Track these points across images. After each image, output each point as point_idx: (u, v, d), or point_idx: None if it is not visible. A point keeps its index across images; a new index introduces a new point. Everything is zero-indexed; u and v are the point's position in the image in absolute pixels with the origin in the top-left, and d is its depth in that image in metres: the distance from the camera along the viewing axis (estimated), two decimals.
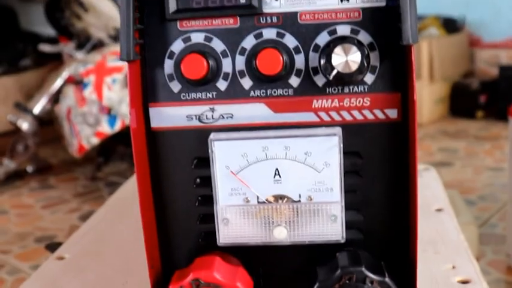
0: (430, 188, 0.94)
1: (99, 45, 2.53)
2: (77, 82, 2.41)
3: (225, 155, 0.52)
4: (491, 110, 3.18)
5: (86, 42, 2.55)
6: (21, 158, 2.69)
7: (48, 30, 3.02)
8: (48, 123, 2.68)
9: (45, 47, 2.61)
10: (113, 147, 2.68)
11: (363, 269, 0.49)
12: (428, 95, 3.18)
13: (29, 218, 2.35)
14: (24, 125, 2.56)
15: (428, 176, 0.99)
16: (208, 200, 0.53)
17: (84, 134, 2.39)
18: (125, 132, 2.45)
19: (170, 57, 0.52)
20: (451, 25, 3.38)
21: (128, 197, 0.98)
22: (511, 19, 3.06)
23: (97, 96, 2.34)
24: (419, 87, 3.14)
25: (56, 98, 2.56)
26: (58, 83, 2.52)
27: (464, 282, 0.63)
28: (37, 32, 3.34)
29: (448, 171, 2.52)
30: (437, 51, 3.18)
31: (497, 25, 3.37)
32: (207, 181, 0.53)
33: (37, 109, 2.56)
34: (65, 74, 2.49)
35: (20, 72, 3.19)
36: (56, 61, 2.88)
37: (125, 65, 2.06)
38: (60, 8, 2.55)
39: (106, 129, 2.35)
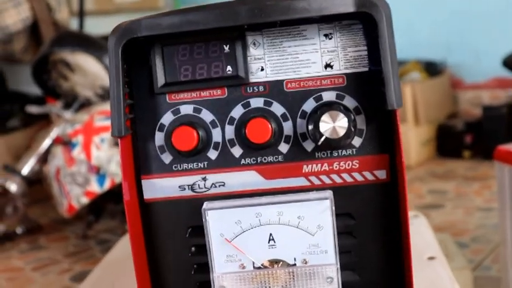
0: (421, 236, 0.94)
1: (86, 104, 2.55)
2: (65, 143, 2.41)
3: (219, 223, 0.52)
4: (477, 149, 3.21)
5: (73, 102, 2.57)
6: (10, 220, 2.66)
7: (36, 90, 3.04)
8: (37, 182, 2.67)
9: (32, 109, 2.62)
10: (103, 205, 2.67)
11: None
12: (414, 138, 3.21)
13: (19, 282, 2.31)
14: (13, 186, 2.54)
15: (418, 224, 1.00)
16: (204, 267, 0.54)
17: (74, 194, 2.38)
18: (114, 190, 2.44)
19: (161, 129, 0.53)
20: (432, 68, 3.45)
21: (121, 258, 0.98)
22: (491, 61, 3.13)
23: (86, 156, 2.34)
24: (405, 130, 3.18)
25: (44, 158, 2.55)
26: (46, 143, 2.52)
27: None
28: (24, 92, 3.36)
29: (439, 214, 2.53)
30: (421, 94, 3.23)
31: (478, 67, 3.45)
32: (202, 249, 0.53)
33: (25, 170, 2.55)
34: (53, 134, 2.50)
35: (8, 133, 3.19)
36: (44, 121, 2.89)
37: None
38: (46, 70, 2.57)
39: (95, 188, 2.34)
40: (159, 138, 0.54)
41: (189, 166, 0.53)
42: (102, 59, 2.61)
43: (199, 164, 0.53)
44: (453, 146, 3.24)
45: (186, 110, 0.53)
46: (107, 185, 2.33)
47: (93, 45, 2.65)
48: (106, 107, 2.42)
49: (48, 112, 2.66)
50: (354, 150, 0.52)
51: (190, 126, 0.52)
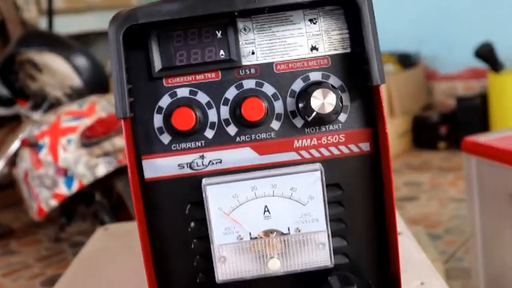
0: None
1: (56, 104, 2.57)
2: (32, 145, 2.43)
3: (218, 198, 0.58)
4: (452, 140, 3.32)
5: (42, 103, 2.59)
6: None
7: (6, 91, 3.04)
8: (8, 186, 2.69)
9: None
10: (74, 207, 2.69)
11: None
12: (390, 130, 3.29)
13: None
14: None
15: None
16: (203, 240, 0.60)
17: (43, 197, 2.40)
18: (84, 192, 2.47)
19: (159, 112, 0.59)
20: (406, 60, 3.55)
21: (92, 256, 1.02)
22: (463, 51, 3.24)
23: (52, 157, 2.36)
24: None
25: (13, 161, 2.57)
26: (15, 145, 2.53)
27: None
28: None
29: (414, 206, 2.61)
30: (395, 86, 3.33)
31: (451, 58, 3.56)
32: (201, 223, 0.59)
33: None
34: (21, 136, 2.51)
35: None
36: (15, 122, 2.90)
37: (79, 124, 2.10)
38: (13, 71, 2.59)
39: (63, 190, 2.36)
40: (157, 120, 0.59)
41: (187, 145, 0.59)
42: (70, 58, 2.64)
43: (197, 143, 0.59)
44: (428, 137, 3.34)
45: (183, 92, 0.59)
46: (75, 186, 2.36)
47: (61, 45, 2.67)
48: (73, 107, 2.44)
49: (16, 114, 2.67)
50: (340, 125, 0.59)
51: (188, 107, 0.58)
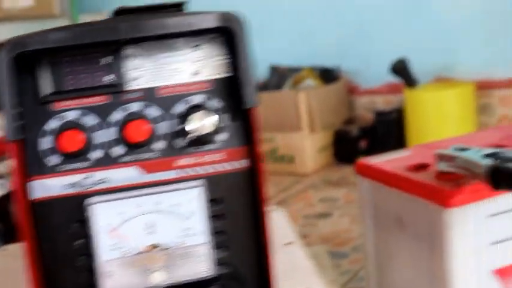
0: (278, 226, 1.11)
1: None
2: None
3: (103, 216, 0.65)
4: (372, 154, 3.45)
5: None
6: None
7: None
8: None
9: None
10: None
11: None
12: (310, 145, 3.43)
13: None
14: None
15: (277, 216, 1.16)
16: (89, 257, 0.66)
17: None
18: None
19: (48, 134, 0.65)
20: (327, 75, 3.69)
21: None
22: (382, 66, 3.39)
23: None
24: (300, 138, 3.39)
25: None
26: None
27: None
28: None
29: (326, 223, 2.70)
30: (316, 101, 3.45)
31: (371, 72, 3.72)
32: (87, 241, 0.66)
33: None
34: None
35: None
36: None
37: None
38: None
39: None
40: (45, 142, 0.65)
41: (75, 166, 0.65)
42: None
43: (84, 163, 0.65)
44: (349, 151, 3.47)
45: (71, 115, 0.65)
46: None
47: None
48: None
49: None
50: (221, 144, 0.67)
51: (75, 129, 0.64)
